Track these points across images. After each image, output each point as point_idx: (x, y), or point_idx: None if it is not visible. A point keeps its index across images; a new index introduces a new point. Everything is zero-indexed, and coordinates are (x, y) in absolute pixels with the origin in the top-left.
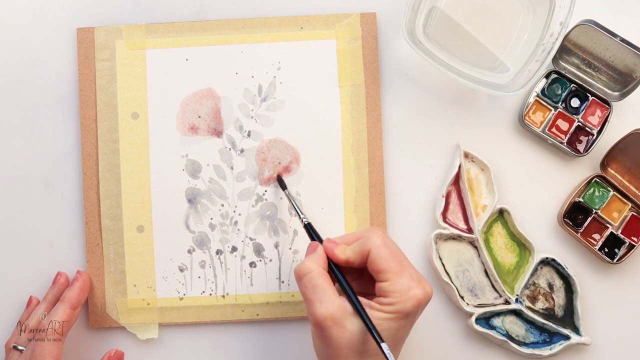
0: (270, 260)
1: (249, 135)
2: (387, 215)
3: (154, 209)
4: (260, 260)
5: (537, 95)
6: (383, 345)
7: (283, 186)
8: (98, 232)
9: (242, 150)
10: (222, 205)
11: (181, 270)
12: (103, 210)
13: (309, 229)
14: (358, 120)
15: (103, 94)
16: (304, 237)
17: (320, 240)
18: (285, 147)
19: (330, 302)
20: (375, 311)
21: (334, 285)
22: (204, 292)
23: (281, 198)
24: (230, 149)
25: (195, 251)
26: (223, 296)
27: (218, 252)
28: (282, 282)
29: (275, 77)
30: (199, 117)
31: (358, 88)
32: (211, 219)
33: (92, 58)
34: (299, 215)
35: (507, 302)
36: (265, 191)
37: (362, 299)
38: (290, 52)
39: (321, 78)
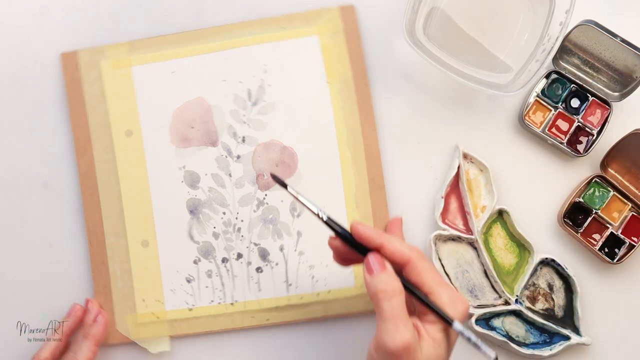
0: (277, 264)
1: (243, 140)
2: (388, 213)
3: (157, 222)
4: (267, 265)
5: (537, 96)
6: (455, 323)
7: (283, 184)
8: (102, 250)
9: (238, 157)
10: (224, 213)
11: (188, 281)
12: (106, 228)
13: (331, 223)
14: (350, 115)
15: (95, 115)
16: (308, 238)
17: (345, 231)
18: (281, 149)
19: (408, 328)
20: (427, 324)
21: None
22: (212, 301)
23: (282, 201)
24: (226, 157)
25: (201, 261)
26: (232, 304)
27: (224, 260)
28: (290, 284)
29: (263, 79)
30: (192, 127)
31: (347, 83)
32: (214, 227)
33: (78, 81)
34: (313, 211)
35: (507, 302)
36: (266, 195)
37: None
38: (275, 53)
39: (309, 76)
